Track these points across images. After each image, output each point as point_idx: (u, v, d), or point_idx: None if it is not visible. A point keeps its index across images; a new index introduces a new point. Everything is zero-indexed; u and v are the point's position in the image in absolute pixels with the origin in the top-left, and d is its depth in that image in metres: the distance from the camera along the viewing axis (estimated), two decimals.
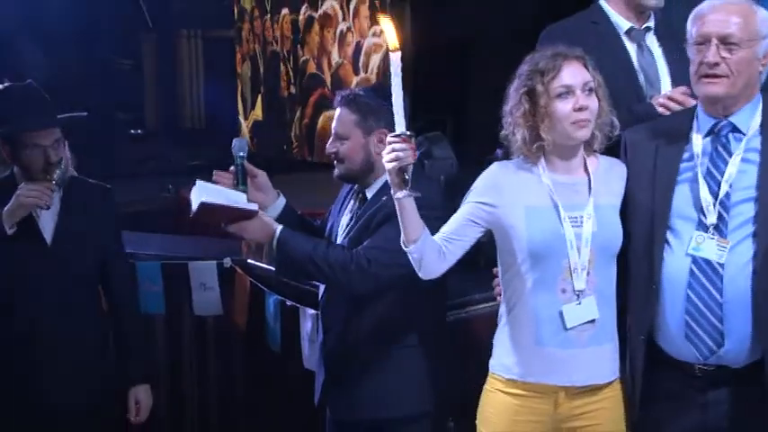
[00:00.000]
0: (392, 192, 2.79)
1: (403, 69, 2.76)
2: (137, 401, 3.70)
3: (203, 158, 8.14)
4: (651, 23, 3.48)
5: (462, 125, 3.44)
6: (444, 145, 3.75)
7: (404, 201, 2.76)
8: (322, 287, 3.37)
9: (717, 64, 2.72)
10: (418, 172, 3.03)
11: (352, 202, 3.37)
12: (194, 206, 3.13)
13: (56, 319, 3.50)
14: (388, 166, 2.74)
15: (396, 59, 2.71)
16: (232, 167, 3.24)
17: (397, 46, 2.72)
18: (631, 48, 3.43)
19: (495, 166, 2.98)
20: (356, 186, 3.36)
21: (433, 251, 2.86)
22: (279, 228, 3.14)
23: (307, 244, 3.17)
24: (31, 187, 3.38)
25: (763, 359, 2.74)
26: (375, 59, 7.54)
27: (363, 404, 3.24)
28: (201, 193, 3.13)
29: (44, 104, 3.57)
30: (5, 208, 3.37)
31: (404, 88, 2.75)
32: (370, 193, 3.27)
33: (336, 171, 3.31)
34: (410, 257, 2.85)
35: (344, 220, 3.36)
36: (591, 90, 2.82)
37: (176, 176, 7.45)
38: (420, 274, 2.91)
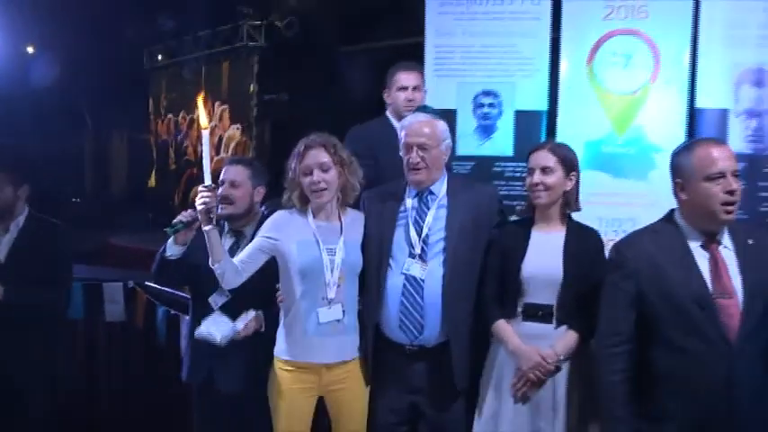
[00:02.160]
0: (202, 226, 2.82)
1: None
2: None
3: (124, 219, 7.99)
4: None
5: None
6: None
7: (210, 232, 2.81)
8: (219, 300, 3.18)
9: (418, 162, 2.94)
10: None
11: (228, 239, 3.23)
12: (220, 337, 3.05)
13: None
14: (199, 207, 2.77)
15: (206, 134, 2.80)
16: (191, 210, 2.97)
17: (207, 125, 2.80)
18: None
19: (277, 214, 3.04)
20: (227, 228, 3.25)
21: (232, 269, 2.88)
22: (262, 318, 3.12)
23: (274, 316, 3.09)
24: None
25: (447, 341, 2.93)
26: (232, 144, 7.68)
27: (243, 378, 3.15)
28: (215, 329, 3.07)
29: None
30: None
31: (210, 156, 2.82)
32: (249, 231, 3.20)
33: (222, 211, 3.15)
34: (216, 272, 2.87)
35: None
36: (326, 169, 2.91)
37: (104, 230, 7.35)
38: (223, 285, 2.95)
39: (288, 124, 6.02)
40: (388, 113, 3.69)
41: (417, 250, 2.94)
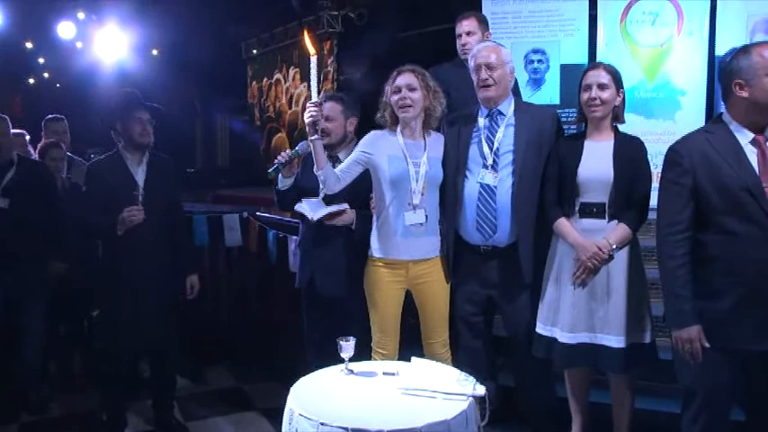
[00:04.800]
0: (308, 135, 2.74)
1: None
2: (191, 284, 3.41)
3: (228, 186, 8.01)
4: None
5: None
6: None
7: (315, 142, 2.75)
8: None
9: (486, 78, 2.84)
10: None
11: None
12: (313, 215, 2.92)
13: (146, 239, 3.14)
14: (307, 120, 2.70)
15: (314, 60, 2.67)
16: (288, 151, 2.92)
17: (314, 52, 2.68)
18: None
19: (372, 133, 2.94)
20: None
21: (333, 176, 2.82)
22: (354, 214, 2.99)
23: (365, 219, 2.99)
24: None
25: (516, 241, 2.84)
26: (301, 99, 7.64)
27: (338, 282, 3.02)
28: (311, 208, 2.96)
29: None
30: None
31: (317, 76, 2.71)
32: (342, 156, 3.03)
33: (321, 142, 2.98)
34: (319, 178, 2.80)
35: None
36: (413, 89, 2.81)
37: (213, 189, 7.37)
38: (324, 191, 2.88)
39: (359, 97, 5.93)
40: (461, 55, 3.52)
41: (490, 161, 2.84)
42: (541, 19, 4.19)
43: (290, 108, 7.87)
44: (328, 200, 3.01)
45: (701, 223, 2.31)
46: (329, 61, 6.47)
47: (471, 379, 2.29)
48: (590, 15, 4.15)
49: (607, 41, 4.11)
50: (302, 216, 3.06)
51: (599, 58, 4.10)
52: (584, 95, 2.72)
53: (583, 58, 4.16)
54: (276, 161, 2.91)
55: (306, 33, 2.80)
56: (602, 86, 2.69)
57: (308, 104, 2.70)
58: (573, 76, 4.09)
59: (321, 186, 2.86)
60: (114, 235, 3.09)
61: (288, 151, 2.94)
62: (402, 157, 2.85)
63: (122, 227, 3.09)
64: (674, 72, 4.02)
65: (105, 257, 3.34)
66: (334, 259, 3.04)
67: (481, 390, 2.20)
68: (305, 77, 7.59)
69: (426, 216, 2.85)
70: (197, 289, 3.44)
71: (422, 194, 2.83)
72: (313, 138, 2.73)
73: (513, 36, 4.19)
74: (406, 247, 2.86)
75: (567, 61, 4.14)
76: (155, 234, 3.18)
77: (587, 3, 4.14)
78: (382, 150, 2.87)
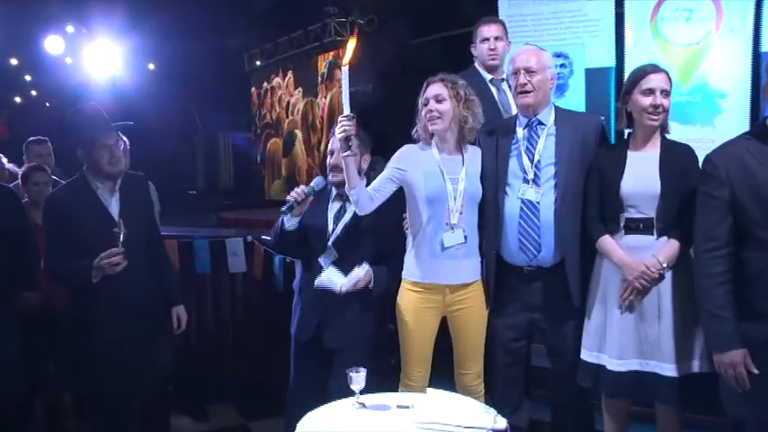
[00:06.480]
0: (341, 152, 2.63)
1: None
2: (178, 316, 3.06)
3: (233, 207, 7.93)
4: (504, 76, 3.33)
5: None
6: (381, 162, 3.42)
7: (347, 159, 2.61)
8: (327, 260, 2.89)
9: (525, 84, 2.71)
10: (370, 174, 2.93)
11: (335, 203, 2.94)
12: (342, 287, 2.79)
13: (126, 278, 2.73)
14: (339, 135, 2.58)
15: (345, 70, 2.54)
16: (303, 187, 2.81)
17: (348, 62, 2.55)
18: (493, 90, 3.32)
19: (405, 147, 2.83)
20: (335, 193, 2.94)
21: (366, 195, 2.70)
22: (371, 274, 2.82)
23: (381, 273, 2.86)
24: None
25: (563, 260, 2.72)
26: (299, 107, 7.66)
27: (348, 335, 2.87)
28: (333, 278, 2.82)
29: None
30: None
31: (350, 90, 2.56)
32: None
33: (334, 178, 2.88)
34: (351, 198, 2.69)
35: (332, 214, 2.93)
36: (440, 100, 2.71)
37: (216, 212, 7.27)
38: (357, 210, 2.74)
39: (372, 110, 5.73)
40: (476, 65, 3.40)
41: (531, 176, 2.73)
42: (563, 20, 4.03)
43: (288, 117, 7.82)
44: (341, 256, 2.89)
45: (740, 239, 2.19)
46: (323, 67, 6.39)
47: (492, 411, 2.24)
48: (616, 14, 3.98)
49: (636, 42, 3.93)
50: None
51: (627, 60, 3.94)
52: (645, 101, 2.54)
53: (610, 61, 3.99)
54: (290, 198, 2.78)
55: (355, 39, 2.62)
56: (665, 93, 2.54)
57: (339, 118, 2.59)
58: (599, 81, 4.01)
59: (327, 223, 2.78)
60: (88, 281, 2.68)
61: (303, 188, 2.82)
62: (438, 172, 2.74)
63: (99, 273, 2.68)
64: (712, 73, 3.83)
65: (82, 296, 2.84)
66: (346, 313, 2.89)
67: (502, 423, 2.14)
68: (299, 83, 7.52)
69: (466, 236, 2.75)
70: (185, 321, 3.10)
71: (460, 213, 2.74)
72: (346, 154, 2.60)
73: (533, 40, 3.94)
74: (445, 271, 2.76)
75: (592, 65, 3.97)
76: (135, 270, 2.78)
77: (613, 1, 3.98)
78: (417, 166, 2.76)
